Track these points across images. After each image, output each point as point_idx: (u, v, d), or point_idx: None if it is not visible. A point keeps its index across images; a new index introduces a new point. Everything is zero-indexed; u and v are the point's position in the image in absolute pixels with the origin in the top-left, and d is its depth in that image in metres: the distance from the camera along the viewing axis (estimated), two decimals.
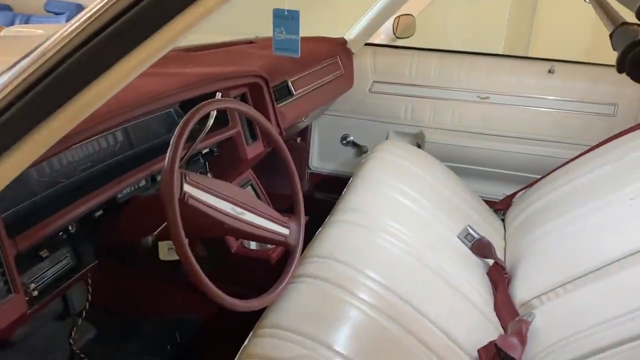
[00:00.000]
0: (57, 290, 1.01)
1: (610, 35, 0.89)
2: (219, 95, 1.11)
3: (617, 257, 1.19)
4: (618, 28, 0.89)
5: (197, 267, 0.88)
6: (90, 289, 1.47)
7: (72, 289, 1.43)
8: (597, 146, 1.74)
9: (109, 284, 1.52)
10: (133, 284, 1.58)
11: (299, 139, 2.37)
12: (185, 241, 0.87)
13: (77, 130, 0.96)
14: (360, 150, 2.35)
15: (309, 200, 2.41)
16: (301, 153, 2.39)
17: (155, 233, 0.95)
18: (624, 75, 1.96)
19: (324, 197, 2.38)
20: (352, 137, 2.37)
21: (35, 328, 1.36)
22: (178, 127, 0.92)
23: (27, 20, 5.08)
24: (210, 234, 1.05)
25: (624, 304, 1.05)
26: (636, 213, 1.29)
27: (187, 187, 0.90)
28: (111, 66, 0.60)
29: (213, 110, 1.06)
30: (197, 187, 0.93)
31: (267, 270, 1.44)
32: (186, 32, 0.60)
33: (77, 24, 0.59)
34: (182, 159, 1.11)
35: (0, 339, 0.88)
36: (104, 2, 0.59)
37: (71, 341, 1.48)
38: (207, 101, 0.99)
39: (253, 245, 1.56)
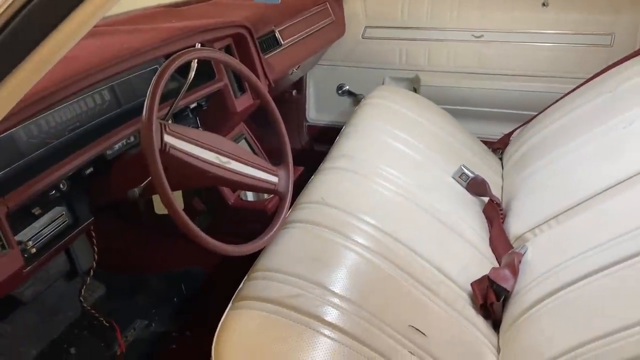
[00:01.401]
0: (55, 247, 1.04)
1: None
2: (198, 46, 1.10)
3: (608, 185, 1.19)
4: None
5: (184, 215, 0.89)
6: (96, 248, 1.51)
7: (79, 249, 1.47)
8: (593, 77, 1.71)
9: (114, 242, 1.56)
10: (137, 241, 1.62)
11: (294, 92, 2.35)
12: (170, 191, 0.88)
13: (59, 86, 0.97)
14: (357, 99, 2.32)
15: (308, 152, 2.43)
16: (297, 106, 2.38)
17: (142, 185, 0.97)
18: (620, 2, 1.89)
19: (323, 148, 2.38)
20: (347, 87, 2.34)
21: (44, 288, 1.42)
22: (154, 77, 0.91)
23: None
24: (197, 183, 1.06)
25: (609, 230, 1.05)
26: (628, 141, 1.28)
27: (167, 138, 0.91)
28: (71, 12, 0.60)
29: (192, 60, 1.06)
30: (179, 138, 0.93)
31: (265, 220, 1.46)
32: None
33: None
34: (167, 113, 1.12)
35: (3, 294, 0.91)
36: None
37: (81, 299, 1.54)
38: (182, 51, 0.98)
39: (250, 197, 1.58)
